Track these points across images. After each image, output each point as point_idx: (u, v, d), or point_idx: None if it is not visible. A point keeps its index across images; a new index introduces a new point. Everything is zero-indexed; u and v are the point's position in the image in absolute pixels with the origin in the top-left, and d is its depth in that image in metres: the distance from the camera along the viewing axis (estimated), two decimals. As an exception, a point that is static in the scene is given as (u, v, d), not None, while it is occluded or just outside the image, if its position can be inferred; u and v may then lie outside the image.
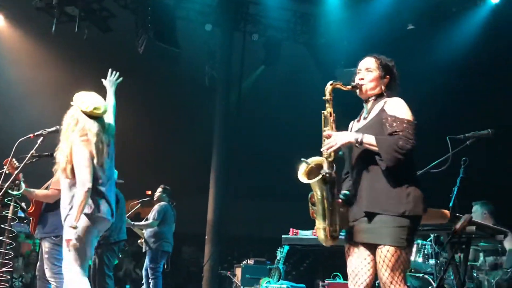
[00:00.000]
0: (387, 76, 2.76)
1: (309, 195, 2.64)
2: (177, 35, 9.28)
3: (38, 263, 4.70)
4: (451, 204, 3.45)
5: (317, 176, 2.51)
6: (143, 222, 7.06)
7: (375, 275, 2.62)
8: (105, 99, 3.96)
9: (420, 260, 4.87)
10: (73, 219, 3.32)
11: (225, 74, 10.33)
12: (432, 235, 4.68)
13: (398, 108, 2.62)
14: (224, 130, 10.14)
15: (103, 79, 4.11)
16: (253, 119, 11.08)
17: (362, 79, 2.74)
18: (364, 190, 2.58)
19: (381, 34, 8.68)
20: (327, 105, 2.66)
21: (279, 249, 6.73)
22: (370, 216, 2.54)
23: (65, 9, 8.53)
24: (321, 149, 2.59)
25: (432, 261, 4.75)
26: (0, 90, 9.73)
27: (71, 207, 3.45)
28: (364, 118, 2.77)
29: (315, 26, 9.81)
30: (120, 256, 6.15)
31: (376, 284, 2.72)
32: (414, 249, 4.93)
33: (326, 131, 2.62)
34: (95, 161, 3.46)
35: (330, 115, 2.65)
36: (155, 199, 7.26)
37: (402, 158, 2.47)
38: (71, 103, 3.64)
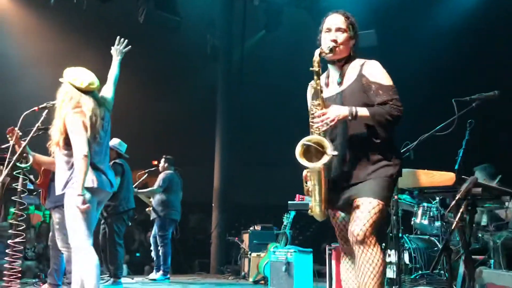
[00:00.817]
0: (355, 36, 2.66)
1: (304, 174, 2.61)
2: (177, 3, 9.14)
3: (50, 234, 4.79)
4: (456, 167, 3.46)
5: (322, 157, 2.43)
6: (146, 189, 7.16)
7: None
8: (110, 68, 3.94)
9: (425, 222, 4.92)
10: (77, 187, 3.34)
11: (226, 41, 10.22)
12: (437, 198, 4.72)
13: (378, 73, 2.58)
14: (227, 98, 10.12)
15: (112, 47, 4.04)
16: (256, 86, 11.00)
17: (335, 40, 2.60)
18: (353, 162, 2.56)
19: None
20: (315, 77, 2.53)
21: (285, 215, 6.82)
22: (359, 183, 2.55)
23: (63, -21, 8.38)
24: (315, 126, 2.50)
25: (437, 223, 4.80)
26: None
27: (69, 176, 3.46)
28: (339, 84, 2.65)
29: (316, -11, 9.61)
30: (129, 224, 6.27)
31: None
32: (420, 211, 4.98)
33: (317, 106, 2.52)
34: (88, 133, 3.46)
35: (320, 88, 2.54)
36: (160, 170, 7.33)
37: (393, 127, 2.52)
38: (60, 79, 3.61)
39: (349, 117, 2.48)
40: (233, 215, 10.12)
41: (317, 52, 2.54)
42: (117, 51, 4.03)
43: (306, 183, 2.62)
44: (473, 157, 3.96)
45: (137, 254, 9.84)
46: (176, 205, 7.14)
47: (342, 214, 2.68)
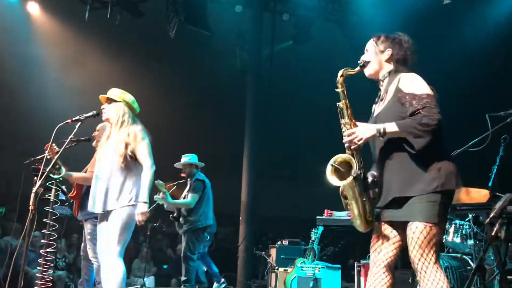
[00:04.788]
0: (389, 49, 2.70)
1: (340, 190, 2.62)
2: (207, 17, 9.26)
3: (82, 244, 4.87)
4: (490, 184, 3.37)
5: (348, 177, 2.47)
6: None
7: (397, 256, 2.62)
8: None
9: (458, 240, 4.79)
10: (143, 195, 3.59)
11: (255, 55, 10.29)
12: (470, 215, 4.59)
13: (413, 84, 2.54)
14: (256, 110, 10.14)
15: None
16: (285, 99, 11.01)
17: (363, 60, 2.73)
18: (394, 176, 2.54)
19: (416, 9, 8.42)
20: (341, 97, 2.58)
21: (313, 230, 6.74)
22: (403, 199, 2.52)
23: (98, -5, 8.60)
24: (346, 146, 2.54)
25: (470, 242, 4.66)
26: (36, 79, 9.99)
27: (129, 189, 3.66)
28: (382, 100, 2.71)
29: (347, 3, 9.60)
30: (207, 239, 6.27)
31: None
32: (452, 229, 4.85)
33: (346, 124, 2.56)
34: None
35: (347, 107, 2.58)
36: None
37: (430, 136, 2.39)
38: (112, 96, 3.87)
39: (379, 136, 2.48)
40: (261, 228, 10.07)
41: (339, 72, 2.60)
42: None
43: (346, 199, 2.62)
44: (508, 174, 3.84)
45: (165, 267, 9.89)
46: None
47: (386, 226, 2.65)
